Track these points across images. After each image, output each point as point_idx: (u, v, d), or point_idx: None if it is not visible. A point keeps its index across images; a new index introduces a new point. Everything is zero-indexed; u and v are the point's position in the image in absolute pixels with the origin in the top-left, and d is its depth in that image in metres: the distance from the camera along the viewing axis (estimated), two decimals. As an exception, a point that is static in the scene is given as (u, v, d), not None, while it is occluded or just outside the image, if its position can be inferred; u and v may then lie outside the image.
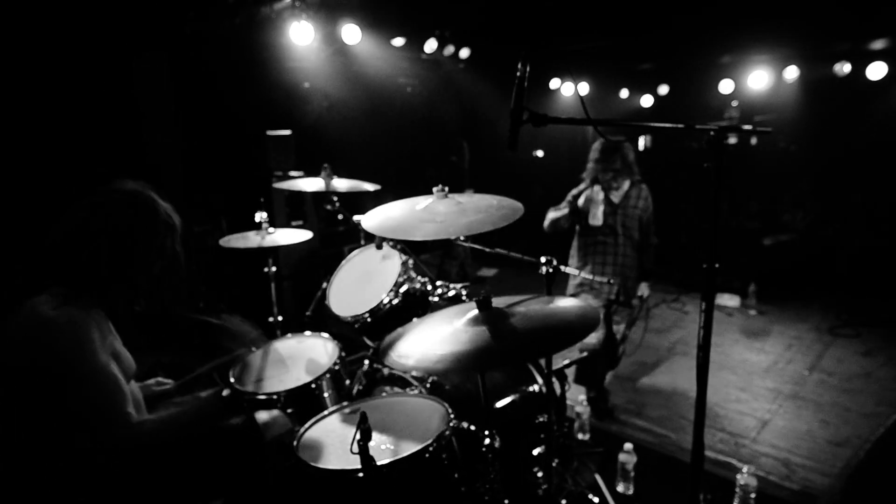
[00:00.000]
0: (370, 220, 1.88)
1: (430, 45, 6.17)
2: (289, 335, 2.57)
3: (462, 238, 2.13)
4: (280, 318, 3.06)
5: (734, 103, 9.18)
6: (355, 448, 1.37)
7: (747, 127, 1.62)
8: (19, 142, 3.64)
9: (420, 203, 1.89)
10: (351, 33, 5.28)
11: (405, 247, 2.55)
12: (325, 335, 2.49)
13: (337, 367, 2.25)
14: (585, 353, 2.43)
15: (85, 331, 1.47)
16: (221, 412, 1.73)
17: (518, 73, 1.43)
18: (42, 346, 1.43)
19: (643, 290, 3.75)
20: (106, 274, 1.55)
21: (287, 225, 4.51)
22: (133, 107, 4.40)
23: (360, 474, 1.44)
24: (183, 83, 4.68)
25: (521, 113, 1.43)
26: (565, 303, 1.63)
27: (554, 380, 2.21)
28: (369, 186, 2.90)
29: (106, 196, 1.58)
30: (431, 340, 1.52)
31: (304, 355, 2.37)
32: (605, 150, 3.62)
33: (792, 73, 7.50)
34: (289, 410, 2.08)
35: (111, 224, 1.55)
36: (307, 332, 2.55)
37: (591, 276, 2.30)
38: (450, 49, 6.43)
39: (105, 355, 1.50)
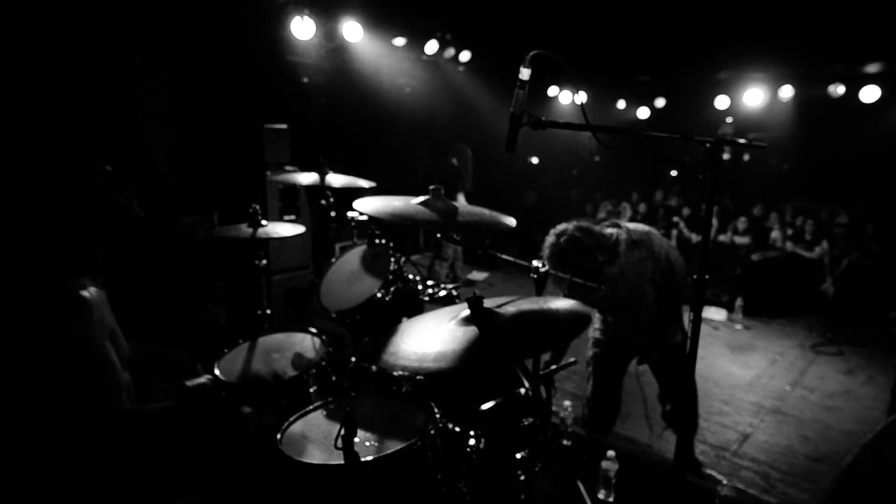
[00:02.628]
0: (366, 205, 1.88)
1: (431, 47, 6.18)
2: (277, 329, 2.56)
3: (457, 236, 2.14)
4: (269, 312, 3.05)
5: (728, 119, 9.29)
6: (339, 443, 1.37)
7: (742, 141, 1.63)
8: (15, 130, 3.60)
9: (417, 199, 1.90)
10: (352, 31, 5.28)
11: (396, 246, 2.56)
12: (313, 330, 2.48)
13: (324, 363, 2.24)
14: (573, 359, 2.43)
15: (87, 311, 1.46)
16: (206, 408, 1.73)
17: (520, 76, 1.43)
18: (44, 320, 1.42)
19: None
20: (81, 247, 1.54)
21: (280, 219, 4.50)
22: (130, 95, 4.37)
23: (344, 470, 1.44)
24: (182, 73, 4.66)
25: (520, 116, 1.44)
26: (556, 303, 1.64)
27: (540, 384, 2.22)
28: (364, 183, 2.90)
29: (55, 177, 1.55)
30: (422, 340, 1.52)
31: (291, 349, 2.36)
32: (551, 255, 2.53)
33: (787, 92, 7.58)
34: (273, 404, 2.08)
35: (73, 202, 1.53)
36: (295, 327, 2.54)
37: (580, 280, 2.29)
38: (450, 52, 6.45)
39: (104, 340, 1.49)
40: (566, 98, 8.88)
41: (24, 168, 1.55)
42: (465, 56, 6.67)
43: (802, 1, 4.92)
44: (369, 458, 1.48)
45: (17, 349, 1.44)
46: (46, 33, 3.71)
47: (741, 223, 7.57)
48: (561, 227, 2.63)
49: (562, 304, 1.63)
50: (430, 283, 2.56)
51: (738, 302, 6.03)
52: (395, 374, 2.26)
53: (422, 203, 1.85)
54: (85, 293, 1.48)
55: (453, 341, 1.46)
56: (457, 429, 2.00)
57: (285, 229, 2.85)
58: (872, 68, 6.96)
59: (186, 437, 1.75)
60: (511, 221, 1.85)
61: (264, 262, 3.04)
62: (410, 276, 2.53)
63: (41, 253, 1.50)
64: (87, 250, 1.56)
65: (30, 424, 1.50)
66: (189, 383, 1.93)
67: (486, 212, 1.89)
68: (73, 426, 1.51)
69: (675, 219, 8.02)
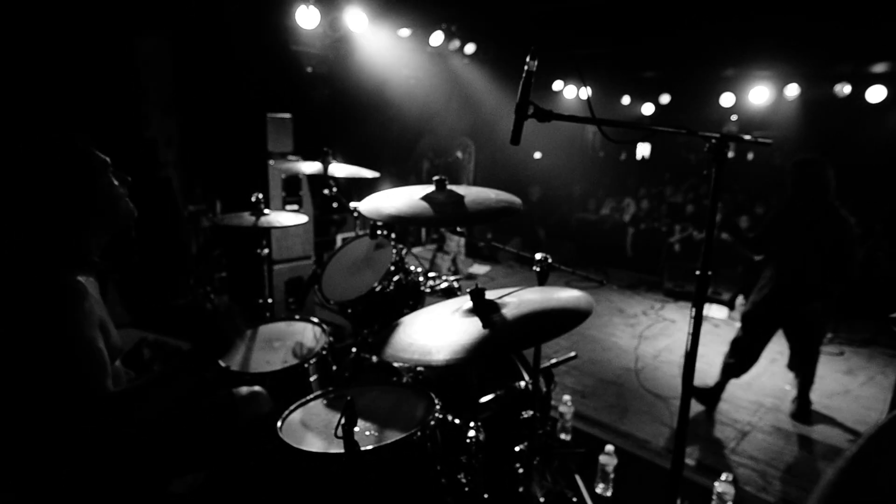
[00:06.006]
0: (367, 204, 1.87)
1: (436, 39, 6.15)
2: (278, 318, 2.56)
3: (460, 230, 2.14)
4: (270, 301, 3.05)
5: (733, 118, 9.25)
6: (339, 432, 1.37)
7: (748, 137, 1.62)
8: (20, 117, 3.59)
9: (418, 192, 1.89)
10: (357, 21, 5.26)
11: (399, 238, 2.56)
12: (315, 319, 2.48)
13: (325, 352, 2.25)
14: (573, 353, 2.44)
15: (76, 300, 1.45)
16: (196, 378, 1.71)
17: (526, 68, 1.43)
18: (33, 308, 1.42)
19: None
20: (75, 237, 1.54)
21: (282, 208, 4.50)
22: (134, 84, 4.36)
23: (343, 459, 1.44)
24: (185, 61, 4.65)
25: (526, 107, 1.43)
26: (558, 292, 1.63)
27: (540, 377, 2.22)
28: (368, 174, 2.89)
29: (55, 166, 1.52)
30: (425, 333, 1.52)
31: (292, 338, 2.37)
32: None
33: (793, 90, 7.54)
34: (274, 392, 2.08)
35: (72, 192, 1.52)
36: (297, 316, 2.54)
37: (583, 273, 2.29)
38: (455, 43, 6.41)
39: (92, 328, 1.48)
40: (571, 92, 8.85)
41: (25, 156, 1.53)
42: (470, 48, 6.64)
43: (810, -1, 4.89)
44: (369, 447, 1.49)
45: (10, 340, 1.43)
46: (51, 23, 3.69)
47: (743, 221, 7.54)
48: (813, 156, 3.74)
49: (564, 294, 1.62)
50: (431, 275, 2.56)
51: (739, 300, 6.02)
52: (397, 365, 2.27)
53: (425, 198, 1.84)
54: (76, 282, 1.48)
55: (456, 334, 1.46)
56: (457, 420, 2.01)
57: (288, 219, 2.86)
58: (879, 68, 6.92)
59: (185, 422, 1.75)
60: (518, 202, 1.84)
61: (266, 251, 3.05)
62: (412, 268, 2.54)
63: (35, 242, 1.50)
64: (80, 240, 1.56)
65: (28, 418, 1.50)
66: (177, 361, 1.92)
67: (492, 195, 1.87)
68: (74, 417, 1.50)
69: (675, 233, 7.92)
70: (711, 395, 3.98)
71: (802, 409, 3.89)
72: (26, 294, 1.43)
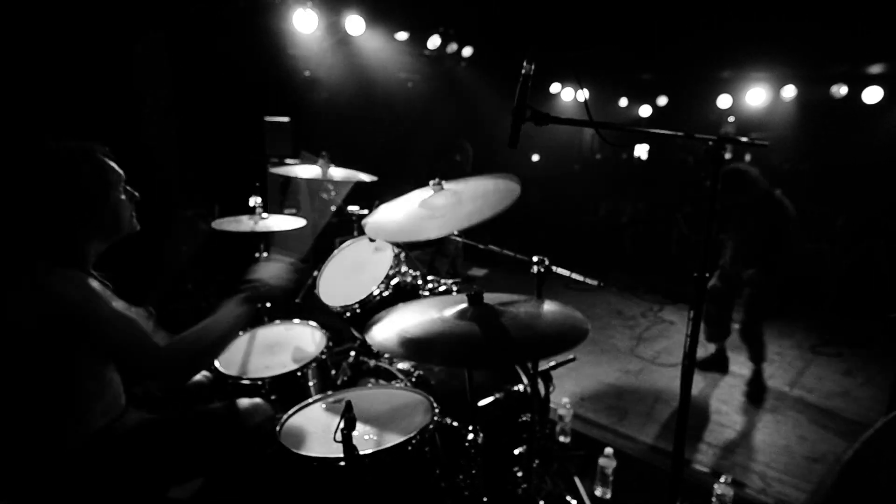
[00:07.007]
0: (373, 226, 1.87)
1: (434, 42, 6.16)
2: (277, 321, 2.56)
3: (456, 233, 2.14)
4: (269, 304, 3.04)
5: (730, 119, 9.27)
6: (338, 437, 1.37)
7: (745, 139, 1.63)
8: (17, 121, 3.58)
9: (417, 198, 1.89)
10: (355, 24, 5.27)
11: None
12: (313, 323, 2.48)
13: (324, 357, 2.24)
14: (572, 356, 2.45)
15: (89, 285, 1.50)
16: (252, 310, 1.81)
17: (523, 71, 1.43)
18: (56, 301, 1.42)
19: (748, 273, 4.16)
20: (70, 239, 1.55)
21: (280, 212, 4.50)
22: (131, 88, 4.36)
23: (342, 463, 1.44)
24: (182, 64, 4.64)
25: (523, 110, 1.43)
26: (555, 308, 1.62)
27: (539, 380, 2.22)
28: (365, 177, 2.89)
29: (49, 157, 1.53)
30: (418, 327, 1.51)
31: (290, 342, 2.37)
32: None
33: (789, 92, 7.57)
34: (272, 397, 2.08)
35: (67, 184, 1.53)
36: (295, 320, 2.54)
37: (581, 278, 2.29)
38: (453, 47, 6.43)
39: (116, 301, 1.54)
40: (568, 95, 8.87)
41: (41, 162, 1.54)
42: (467, 51, 6.65)
43: (806, 1, 4.91)
44: (368, 451, 1.49)
45: (22, 338, 1.44)
46: (47, 25, 3.69)
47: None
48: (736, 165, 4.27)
49: (559, 313, 1.60)
50: (430, 278, 2.56)
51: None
52: (392, 368, 2.27)
53: (423, 204, 1.84)
54: (81, 274, 1.52)
55: (452, 337, 1.45)
56: (455, 424, 2.00)
57: (285, 222, 2.86)
58: (875, 69, 6.95)
59: (185, 429, 1.75)
60: (517, 187, 1.82)
61: (265, 254, 3.05)
62: (410, 271, 2.53)
63: (38, 246, 1.51)
64: (82, 249, 1.58)
65: (28, 418, 1.50)
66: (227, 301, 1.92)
67: (490, 186, 1.87)
68: (72, 423, 1.52)
69: (679, 215, 7.93)
70: (717, 361, 4.55)
71: (755, 391, 4.18)
72: (42, 292, 1.44)
